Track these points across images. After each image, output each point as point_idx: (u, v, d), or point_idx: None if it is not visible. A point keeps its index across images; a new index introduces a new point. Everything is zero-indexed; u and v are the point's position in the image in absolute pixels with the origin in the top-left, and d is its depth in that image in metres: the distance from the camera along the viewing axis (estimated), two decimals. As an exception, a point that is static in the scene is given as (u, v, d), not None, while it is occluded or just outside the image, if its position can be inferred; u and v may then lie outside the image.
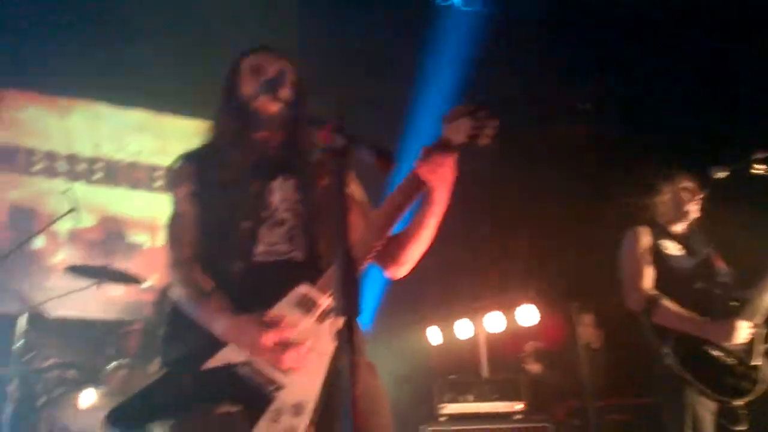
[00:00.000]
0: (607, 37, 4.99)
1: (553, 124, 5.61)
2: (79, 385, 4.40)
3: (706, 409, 2.88)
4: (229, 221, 1.94)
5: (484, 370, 5.82)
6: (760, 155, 3.17)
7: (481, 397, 4.62)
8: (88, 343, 4.78)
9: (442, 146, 1.86)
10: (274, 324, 1.75)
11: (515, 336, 5.91)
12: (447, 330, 6.47)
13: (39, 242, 5.66)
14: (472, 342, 6.14)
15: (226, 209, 1.96)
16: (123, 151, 6.11)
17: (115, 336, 4.65)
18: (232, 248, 1.91)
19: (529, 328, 5.86)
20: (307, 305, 1.80)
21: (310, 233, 1.97)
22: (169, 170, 2.11)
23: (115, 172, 6.03)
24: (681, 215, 3.30)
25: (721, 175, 3.22)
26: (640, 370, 3.29)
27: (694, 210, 3.31)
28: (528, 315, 5.88)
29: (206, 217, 1.97)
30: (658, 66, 5.06)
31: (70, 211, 4.76)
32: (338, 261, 1.36)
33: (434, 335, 6.59)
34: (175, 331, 1.90)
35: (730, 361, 2.93)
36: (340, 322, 1.33)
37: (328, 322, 1.77)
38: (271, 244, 1.94)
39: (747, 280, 3.17)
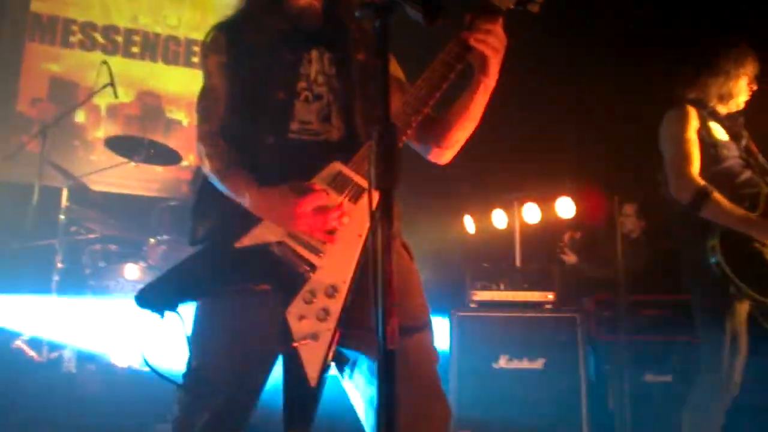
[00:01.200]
0: None
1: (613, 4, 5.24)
2: (122, 258, 4.57)
3: (744, 308, 2.80)
4: (262, 92, 1.86)
5: (518, 260, 5.84)
6: None
7: (512, 286, 4.64)
8: (129, 219, 4.89)
9: (489, 11, 1.73)
10: (307, 191, 1.68)
11: (551, 227, 5.86)
12: (483, 219, 6.44)
13: (80, 116, 5.69)
14: (508, 232, 6.13)
15: (259, 79, 1.87)
16: (161, 24, 5.97)
17: (154, 212, 4.74)
18: (264, 121, 1.84)
19: (566, 219, 5.80)
20: (341, 183, 1.73)
21: (346, 110, 1.88)
22: (203, 42, 2.01)
23: (153, 46, 5.93)
24: (733, 100, 3.08)
25: None
26: (681, 265, 3.21)
27: (745, 97, 3.10)
28: (565, 207, 5.79)
29: (239, 89, 1.89)
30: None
31: (107, 85, 4.73)
32: (378, 129, 1.26)
33: (470, 224, 6.58)
34: (204, 206, 1.85)
35: None
36: (377, 195, 1.27)
37: (363, 200, 1.70)
38: (305, 122, 1.85)
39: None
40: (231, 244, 1.69)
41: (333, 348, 1.62)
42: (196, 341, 1.74)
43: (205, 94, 1.93)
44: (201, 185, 1.89)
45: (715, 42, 3.14)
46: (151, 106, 5.84)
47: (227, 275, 1.69)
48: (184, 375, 1.78)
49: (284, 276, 1.66)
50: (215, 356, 1.76)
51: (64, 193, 4.52)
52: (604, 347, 4.60)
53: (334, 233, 1.68)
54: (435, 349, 1.84)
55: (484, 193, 6.38)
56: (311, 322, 1.62)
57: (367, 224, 1.66)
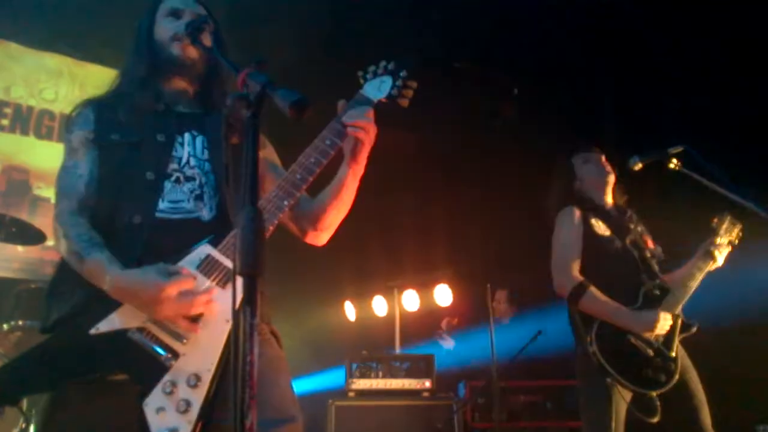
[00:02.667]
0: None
1: (477, 102, 5.63)
2: (-30, 344, 4.14)
3: (622, 398, 2.88)
4: (130, 171, 1.81)
5: (397, 347, 5.86)
6: (675, 150, 3.23)
7: (390, 374, 4.65)
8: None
9: (361, 103, 1.82)
10: (174, 275, 1.60)
11: (430, 314, 5.98)
12: (364, 306, 6.47)
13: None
14: (388, 319, 6.17)
15: (127, 159, 1.82)
16: (36, 97, 5.71)
17: (11, 295, 4.38)
18: (132, 200, 1.77)
19: (444, 307, 5.95)
20: (209, 267, 1.67)
21: (218, 193, 1.87)
22: (69, 116, 1.95)
23: (25, 119, 5.64)
24: (603, 180, 3.32)
25: (637, 166, 3.28)
26: (554, 351, 3.33)
27: (609, 170, 3.34)
28: (443, 295, 5.96)
29: (104, 167, 1.83)
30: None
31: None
32: (243, 213, 1.25)
33: (350, 311, 6.58)
34: (61, 289, 1.73)
35: (650, 351, 2.94)
36: (242, 282, 1.24)
37: (230, 286, 1.65)
38: (175, 201, 1.82)
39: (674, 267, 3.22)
40: (86, 330, 1.58)
41: None
42: None
43: (66, 170, 1.85)
44: (59, 266, 1.77)
45: (565, 148, 3.46)
46: (17, 181, 5.49)
47: (80, 365, 1.57)
48: None
49: (143, 364, 1.56)
50: None
51: None
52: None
53: (198, 320, 1.61)
54: None
55: (364, 280, 6.44)
56: (171, 414, 1.51)
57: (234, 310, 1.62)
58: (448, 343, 5.50)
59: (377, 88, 1.89)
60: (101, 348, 1.57)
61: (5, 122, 5.56)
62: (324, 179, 1.90)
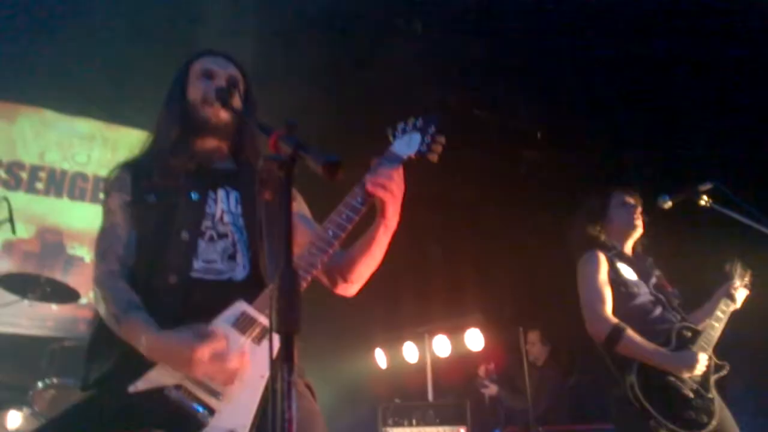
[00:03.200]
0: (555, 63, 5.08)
1: (504, 147, 5.66)
2: (5, 404, 4.18)
3: None
4: (166, 232, 1.84)
5: (430, 395, 5.78)
6: (705, 187, 3.22)
7: (424, 422, 4.59)
8: (17, 361, 4.54)
9: (391, 160, 1.84)
10: (207, 336, 1.62)
11: (462, 359, 5.90)
12: (394, 353, 6.42)
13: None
14: (420, 365, 6.11)
15: (163, 219, 1.86)
16: (69, 160, 5.90)
17: (45, 353, 4.44)
18: (168, 260, 1.81)
19: (476, 352, 5.87)
20: (244, 324, 1.69)
21: (251, 250, 1.90)
22: (106, 179, 2.01)
23: (59, 182, 5.82)
24: (631, 230, 3.30)
25: (667, 205, 3.28)
26: (591, 393, 3.27)
27: (639, 224, 3.31)
28: (475, 339, 5.89)
29: (141, 228, 1.87)
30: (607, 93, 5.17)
31: (5, 221, 4.57)
32: (279, 273, 1.27)
33: (381, 358, 6.53)
34: (99, 349, 1.76)
35: (690, 393, 2.89)
36: (278, 339, 1.26)
37: (265, 342, 1.67)
38: (209, 261, 1.85)
39: (690, 309, 3.21)
40: (124, 388, 1.60)
41: None
42: None
43: (105, 233, 1.90)
44: (97, 325, 1.81)
45: (600, 191, 3.44)
46: (51, 243, 5.62)
47: (120, 422, 1.58)
48: None
49: (181, 422, 1.58)
50: None
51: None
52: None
53: (233, 378, 1.63)
54: None
55: (394, 327, 6.41)
56: None
57: (269, 366, 1.63)
58: (491, 390, 5.41)
59: (407, 144, 1.89)
60: (140, 405, 1.58)
61: (40, 186, 5.74)
62: (360, 229, 1.91)
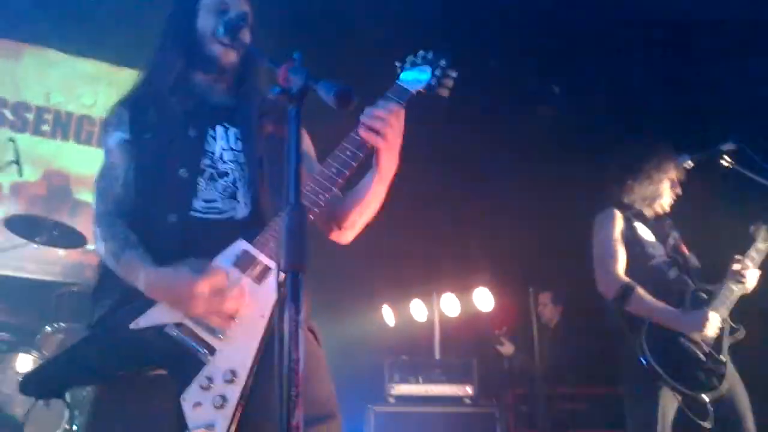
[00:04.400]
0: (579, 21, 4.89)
1: (517, 102, 5.49)
2: (14, 347, 4.18)
3: (670, 402, 2.80)
4: (164, 170, 1.78)
5: (437, 353, 5.77)
6: (728, 147, 3.13)
7: (430, 379, 4.56)
8: (24, 304, 4.54)
9: (398, 94, 1.73)
10: (206, 272, 1.58)
11: (471, 320, 5.87)
12: (402, 310, 6.40)
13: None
14: (428, 324, 6.09)
15: (161, 157, 1.79)
16: (74, 102, 5.78)
17: (52, 297, 4.42)
18: (166, 199, 1.76)
19: (485, 312, 5.83)
20: (244, 262, 1.64)
21: (252, 188, 1.82)
22: (106, 118, 1.93)
23: (65, 125, 5.72)
24: (657, 202, 3.20)
25: (688, 164, 3.19)
26: (601, 356, 3.22)
27: (669, 200, 3.23)
28: (484, 299, 5.85)
29: (140, 166, 1.80)
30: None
31: (11, 162, 4.51)
32: (288, 210, 1.22)
33: (389, 315, 6.51)
34: (102, 289, 1.74)
35: (701, 355, 2.86)
36: (283, 277, 1.20)
37: (267, 281, 1.61)
38: (209, 200, 1.78)
39: (709, 273, 3.12)
40: (126, 326, 1.58)
41: None
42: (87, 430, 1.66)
43: (104, 172, 1.84)
44: (100, 268, 1.78)
45: (639, 146, 3.30)
46: (58, 186, 5.56)
47: (120, 360, 1.58)
48: None
49: (181, 360, 1.55)
50: None
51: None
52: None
53: (233, 316, 1.59)
54: None
55: (402, 285, 6.35)
56: (208, 409, 1.49)
57: (271, 306, 1.57)
58: (508, 349, 5.37)
59: (416, 78, 1.79)
60: (140, 343, 1.57)
61: (46, 128, 5.65)
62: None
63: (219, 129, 1.88)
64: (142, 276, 1.62)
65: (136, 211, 1.77)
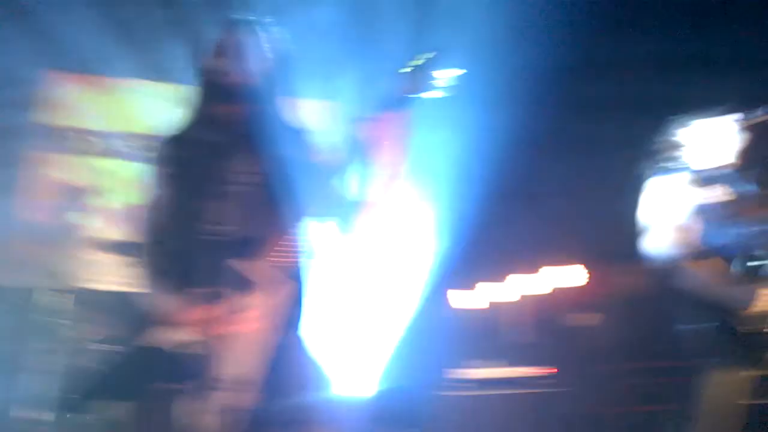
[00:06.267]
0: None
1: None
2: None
3: (730, 378, 2.76)
4: (185, 199, 1.97)
5: (517, 334, 5.72)
6: None
7: (510, 361, 4.56)
8: (127, 318, 4.92)
9: (396, 100, 1.83)
10: (200, 297, 1.76)
11: (548, 298, 5.76)
12: (482, 291, 6.34)
13: (79, 218, 5.85)
14: (508, 304, 6.03)
15: (184, 187, 1.98)
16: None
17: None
18: (185, 227, 1.93)
19: (569, 288, 5.72)
20: (237, 281, 1.81)
21: (261, 207, 1.96)
22: (156, 154, 2.12)
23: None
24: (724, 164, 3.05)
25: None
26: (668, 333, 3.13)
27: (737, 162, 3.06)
28: (568, 276, 5.73)
29: (171, 199, 2.00)
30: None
31: (105, 188, 4.94)
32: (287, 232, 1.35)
33: (468, 296, 6.47)
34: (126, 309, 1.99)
35: (754, 329, 2.75)
36: (283, 291, 1.33)
37: (270, 293, 1.78)
38: (215, 222, 1.92)
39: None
40: (134, 344, 1.82)
41: None
42: None
43: (153, 204, 2.04)
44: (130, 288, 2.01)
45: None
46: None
47: (127, 377, 1.83)
48: None
49: (186, 375, 1.72)
50: None
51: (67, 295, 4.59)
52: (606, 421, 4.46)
53: (231, 330, 1.76)
54: None
55: (477, 265, 6.30)
56: (215, 416, 1.67)
57: (267, 317, 1.73)
58: (592, 321, 5.23)
59: (415, 83, 1.85)
60: (148, 360, 1.77)
61: (135, 151, 6.07)
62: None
63: (236, 153, 2.01)
64: (157, 300, 1.82)
65: (165, 241, 1.96)
